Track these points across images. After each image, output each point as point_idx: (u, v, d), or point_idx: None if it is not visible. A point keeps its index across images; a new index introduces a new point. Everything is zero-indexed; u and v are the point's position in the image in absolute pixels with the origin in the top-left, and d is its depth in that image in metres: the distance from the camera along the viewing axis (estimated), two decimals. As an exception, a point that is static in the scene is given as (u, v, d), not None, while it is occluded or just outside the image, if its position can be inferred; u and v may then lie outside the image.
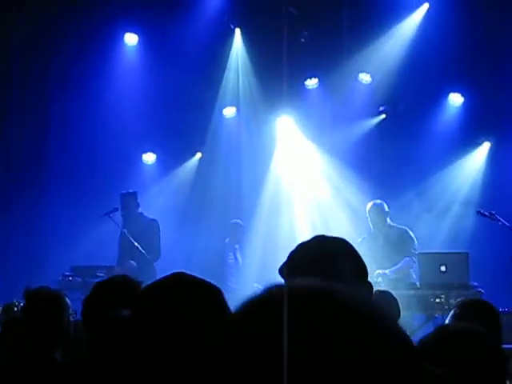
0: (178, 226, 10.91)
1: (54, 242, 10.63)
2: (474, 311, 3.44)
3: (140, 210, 9.56)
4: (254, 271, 9.91)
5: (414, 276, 8.30)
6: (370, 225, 8.51)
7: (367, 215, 8.56)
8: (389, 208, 8.59)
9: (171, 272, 1.93)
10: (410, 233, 8.40)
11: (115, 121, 11.07)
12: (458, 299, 4.88)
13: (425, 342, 2.06)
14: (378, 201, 8.65)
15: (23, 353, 3.95)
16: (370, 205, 8.62)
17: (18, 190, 11.07)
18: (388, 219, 8.52)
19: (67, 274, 8.80)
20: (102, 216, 9.32)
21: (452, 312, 3.52)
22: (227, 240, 10.22)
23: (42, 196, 10.98)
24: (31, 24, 11.21)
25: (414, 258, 8.06)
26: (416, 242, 8.34)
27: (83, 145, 11.25)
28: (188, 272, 1.93)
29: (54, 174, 11.22)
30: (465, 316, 3.38)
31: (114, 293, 3.51)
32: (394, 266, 8.01)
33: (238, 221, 10.34)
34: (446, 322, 3.52)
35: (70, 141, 11.40)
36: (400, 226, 8.49)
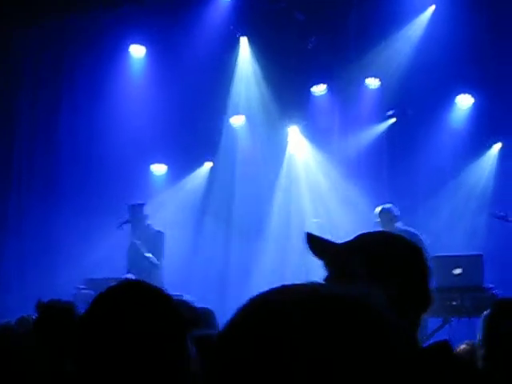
0: (188, 236, 10.92)
1: (66, 255, 10.66)
2: (509, 310, 3.40)
3: (148, 221, 9.57)
4: (264, 280, 9.86)
5: None
6: (380, 229, 8.47)
7: (377, 219, 8.53)
8: (398, 212, 8.55)
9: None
10: (420, 237, 8.35)
11: (125, 132, 11.09)
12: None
13: None
14: (388, 205, 8.62)
15: (35, 365, 3.94)
16: (379, 209, 8.59)
17: (30, 203, 11.12)
18: (398, 223, 8.48)
19: (81, 286, 8.79)
20: (116, 228, 9.34)
21: (487, 313, 3.48)
22: None
23: (54, 208, 11.00)
24: (40, 39, 11.27)
25: None
26: (426, 247, 8.29)
27: (93, 157, 11.28)
28: (199, 282, 1.91)
29: (65, 186, 11.26)
30: (500, 316, 3.35)
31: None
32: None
33: None
34: (481, 322, 3.47)
35: (80, 153, 11.44)
36: (410, 230, 8.44)
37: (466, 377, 1.88)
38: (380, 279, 1.90)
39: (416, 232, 8.42)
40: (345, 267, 1.97)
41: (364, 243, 2.06)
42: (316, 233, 2.06)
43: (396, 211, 8.53)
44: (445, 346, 1.88)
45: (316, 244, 2.06)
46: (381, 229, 8.32)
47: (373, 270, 1.96)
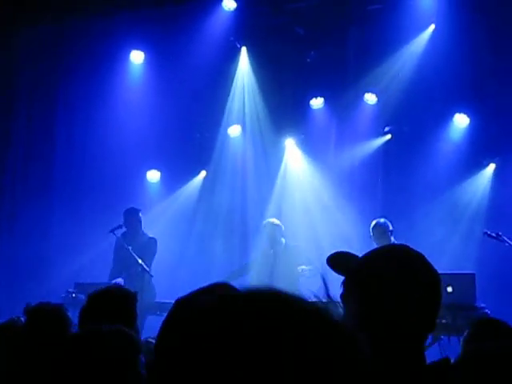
0: (182, 244, 10.91)
1: (57, 259, 10.65)
2: (489, 330, 3.40)
3: (142, 227, 9.56)
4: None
5: None
6: (374, 243, 8.47)
7: (371, 233, 8.53)
8: (392, 226, 8.56)
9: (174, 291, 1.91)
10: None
11: (120, 138, 11.09)
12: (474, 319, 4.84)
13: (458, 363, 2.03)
14: (382, 219, 8.63)
15: (26, 367, 3.91)
16: (373, 223, 8.60)
17: (24, 207, 11.09)
18: (392, 237, 8.48)
19: (71, 290, 8.78)
20: (107, 233, 9.32)
21: (466, 332, 3.48)
22: None
23: (47, 212, 11.00)
24: (38, 44, 11.28)
25: None
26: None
27: (88, 162, 11.28)
28: (190, 290, 1.88)
29: (59, 191, 11.25)
30: (480, 336, 3.34)
31: (110, 304, 3.49)
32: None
33: None
34: (461, 342, 3.47)
35: (75, 158, 11.44)
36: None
37: None
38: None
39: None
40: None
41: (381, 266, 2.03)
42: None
43: (390, 225, 8.54)
44: (445, 364, 1.88)
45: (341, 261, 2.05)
46: (374, 242, 8.33)
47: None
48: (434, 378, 1.84)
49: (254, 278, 9.31)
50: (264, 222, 9.58)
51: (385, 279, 1.95)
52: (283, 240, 9.23)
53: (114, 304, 3.52)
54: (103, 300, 3.56)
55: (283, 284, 8.29)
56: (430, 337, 7.70)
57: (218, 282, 1.79)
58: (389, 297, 1.92)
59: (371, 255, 2.06)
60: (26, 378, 3.65)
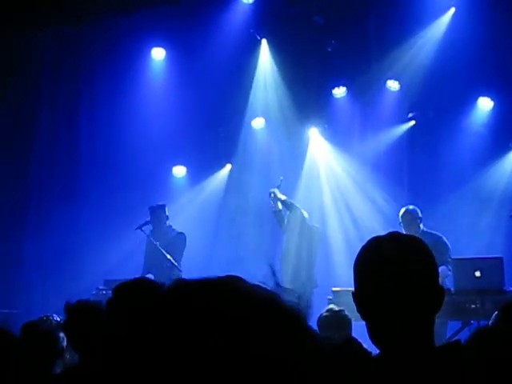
0: (211, 237, 10.96)
1: (86, 256, 10.74)
2: None
3: (169, 222, 9.61)
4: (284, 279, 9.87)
5: (448, 284, 8.24)
6: (403, 231, 8.44)
7: (400, 221, 8.50)
8: (421, 213, 8.52)
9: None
10: (445, 239, 8.29)
11: (145, 135, 11.15)
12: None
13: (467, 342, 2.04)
14: (411, 206, 8.58)
15: (65, 365, 4.00)
16: (402, 210, 8.55)
17: (51, 206, 11.21)
18: (421, 225, 8.45)
19: (101, 287, 8.87)
20: (135, 229, 9.39)
21: (495, 315, 3.48)
22: None
23: (74, 211, 11.09)
24: (60, 43, 11.37)
25: (450, 267, 7.95)
26: (451, 250, 8.24)
27: (114, 160, 11.34)
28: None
29: (86, 188, 11.33)
30: (508, 319, 3.34)
31: (139, 296, 3.53)
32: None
33: None
34: (489, 324, 3.47)
35: (100, 156, 11.51)
36: (434, 233, 8.38)
37: (472, 377, 1.90)
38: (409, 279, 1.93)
39: (440, 234, 8.37)
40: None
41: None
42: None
43: (419, 212, 8.50)
44: (455, 347, 1.90)
45: None
46: (403, 230, 8.30)
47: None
48: (446, 359, 1.87)
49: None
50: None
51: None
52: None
53: (140, 295, 3.57)
54: (128, 292, 3.60)
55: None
56: (459, 322, 7.70)
57: (230, 275, 1.81)
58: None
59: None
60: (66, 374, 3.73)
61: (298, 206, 9.63)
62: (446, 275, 7.97)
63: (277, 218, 9.78)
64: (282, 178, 9.89)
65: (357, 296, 1.98)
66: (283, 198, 9.66)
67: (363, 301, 1.96)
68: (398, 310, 1.90)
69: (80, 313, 3.95)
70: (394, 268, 1.93)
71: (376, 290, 1.92)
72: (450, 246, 8.24)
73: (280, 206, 9.66)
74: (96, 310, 3.96)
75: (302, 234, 9.41)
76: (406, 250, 2.01)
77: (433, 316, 1.97)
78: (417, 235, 8.15)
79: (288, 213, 9.62)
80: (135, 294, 3.56)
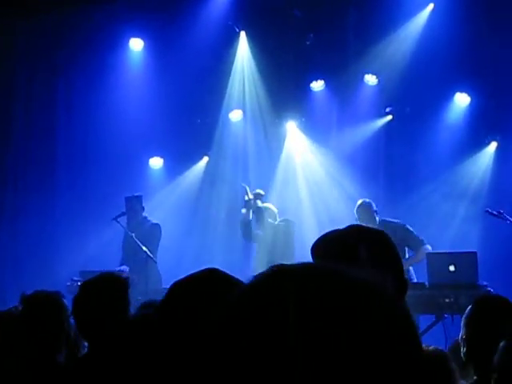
0: (186, 229, 10.95)
1: (62, 247, 10.69)
2: (490, 308, 3.44)
3: (145, 213, 9.60)
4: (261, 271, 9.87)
5: (414, 276, 8.40)
6: (358, 222, 8.49)
7: (355, 213, 8.63)
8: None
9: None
10: (407, 226, 8.45)
11: (122, 125, 11.10)
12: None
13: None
14: (367, 199, 8.74)
15: (25, 357, 3.96)
16: (358, 203, 8.72)
17: (27, 195, 11.13)
18: (377, 217, 8.53)
19: (75, 278, 8.82)
20: (110, 220, 9.36)
21: (468, 310, 3.50)
22: None
23: (50, 202, 11.03)
24: (35, 32, 11.27)
25: (428, 245, 8.23)
26: (414, 234, 8.40)
27: (90, 150, 11.30)
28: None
29: (62, 178, 11.28)
30: (481, 314, 3.38)
31: (102, 291, 3.54)
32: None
33: None
34: (462, 320, 3.50)
35: (77, 147, 11.46)
36: (396, 221, 8.55)
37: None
38: (380, 266, 1.94)
39: (401, 222, 8.53)
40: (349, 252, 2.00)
41: (363, 233, 2.09)
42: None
43: (374, 206, 8.65)
44: (441, 355, 1.92)
45: None
46: (360, 222, 8.36)
47: (374, 258, 1.99)
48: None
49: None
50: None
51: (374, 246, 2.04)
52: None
53: (105, 290, 3.57)
54: (94, 287, 3.61)
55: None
56: (433, 316, 7.77)
57: (210, 268, 1.80)
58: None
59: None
60: (22, 366, 3.70)
61: (265, 207, 9.44)
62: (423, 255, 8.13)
63: (256, 216, 9.58)
64: (244, 184, 9.70)
65: None
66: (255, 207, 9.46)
67: None
68: None
69: (36, 303, 3.93)
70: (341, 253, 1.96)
71: None
72: (413, 229, 8.43)
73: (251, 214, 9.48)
74: (53, 300, 3.94)
75: (276, 231, 9.34)
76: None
77: None
78: (374, 227, 8.30)
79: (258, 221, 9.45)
80: (99, 291, 3.57)
